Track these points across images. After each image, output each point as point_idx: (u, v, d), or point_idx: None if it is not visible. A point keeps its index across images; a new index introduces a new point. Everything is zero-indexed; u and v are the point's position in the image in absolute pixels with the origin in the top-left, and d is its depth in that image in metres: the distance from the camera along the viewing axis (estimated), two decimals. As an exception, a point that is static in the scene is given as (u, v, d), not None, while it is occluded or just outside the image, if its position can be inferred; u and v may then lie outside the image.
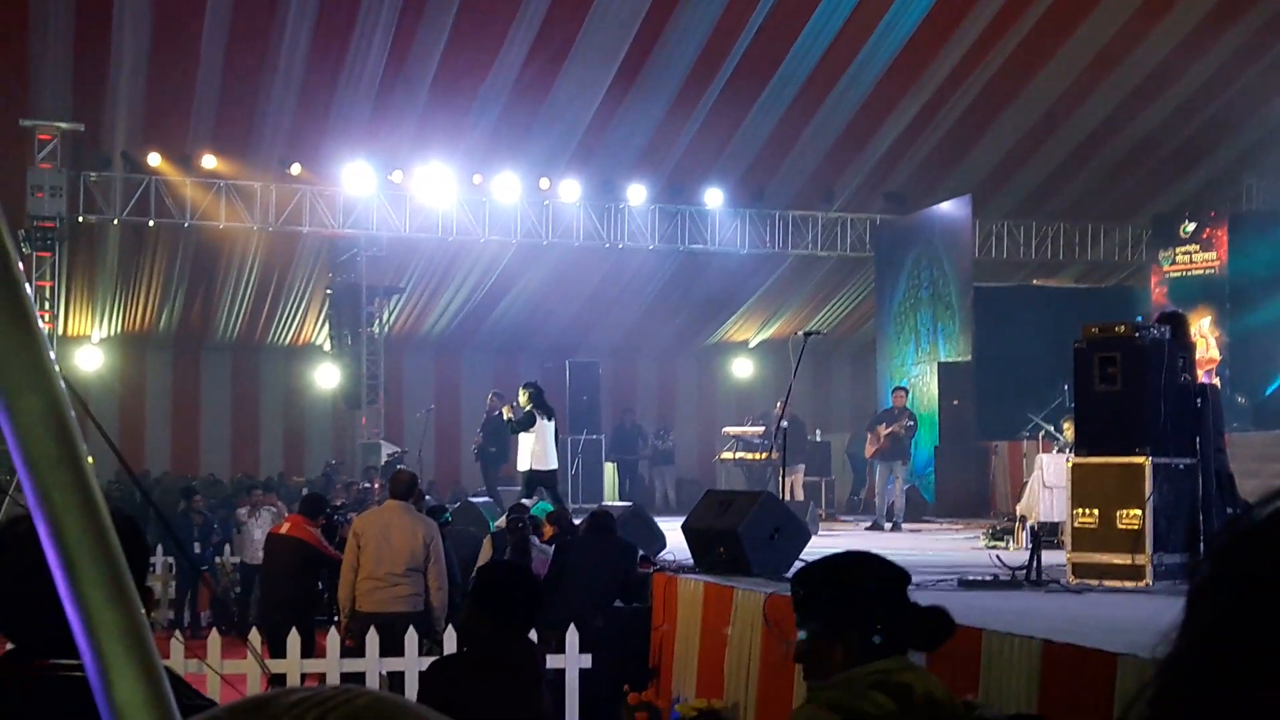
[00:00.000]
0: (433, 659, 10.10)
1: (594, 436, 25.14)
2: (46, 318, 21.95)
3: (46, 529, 1.44)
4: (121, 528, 2.44)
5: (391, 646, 9.85)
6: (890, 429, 19.37)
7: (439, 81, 21.58)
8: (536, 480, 17.12)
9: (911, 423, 19.49)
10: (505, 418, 18.06)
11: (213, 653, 9.35)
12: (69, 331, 26.23)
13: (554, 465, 17.46)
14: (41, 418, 1.44)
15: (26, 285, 1.49)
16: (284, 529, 13.48)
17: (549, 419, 17.44)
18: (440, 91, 21.75)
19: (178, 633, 10.33)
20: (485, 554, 14.40)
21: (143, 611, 1.45)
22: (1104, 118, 23.70)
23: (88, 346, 27.39)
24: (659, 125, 23.24)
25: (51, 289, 22.18)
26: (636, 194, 24.95)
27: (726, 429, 24.40)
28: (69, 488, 1.45)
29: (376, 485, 20.90)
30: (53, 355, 1.48)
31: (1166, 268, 24.27)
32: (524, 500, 16.25)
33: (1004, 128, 23.96)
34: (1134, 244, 27.41)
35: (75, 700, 1.40)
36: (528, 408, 17.36)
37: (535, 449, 17.21)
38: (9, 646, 2.53)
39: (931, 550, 14.78)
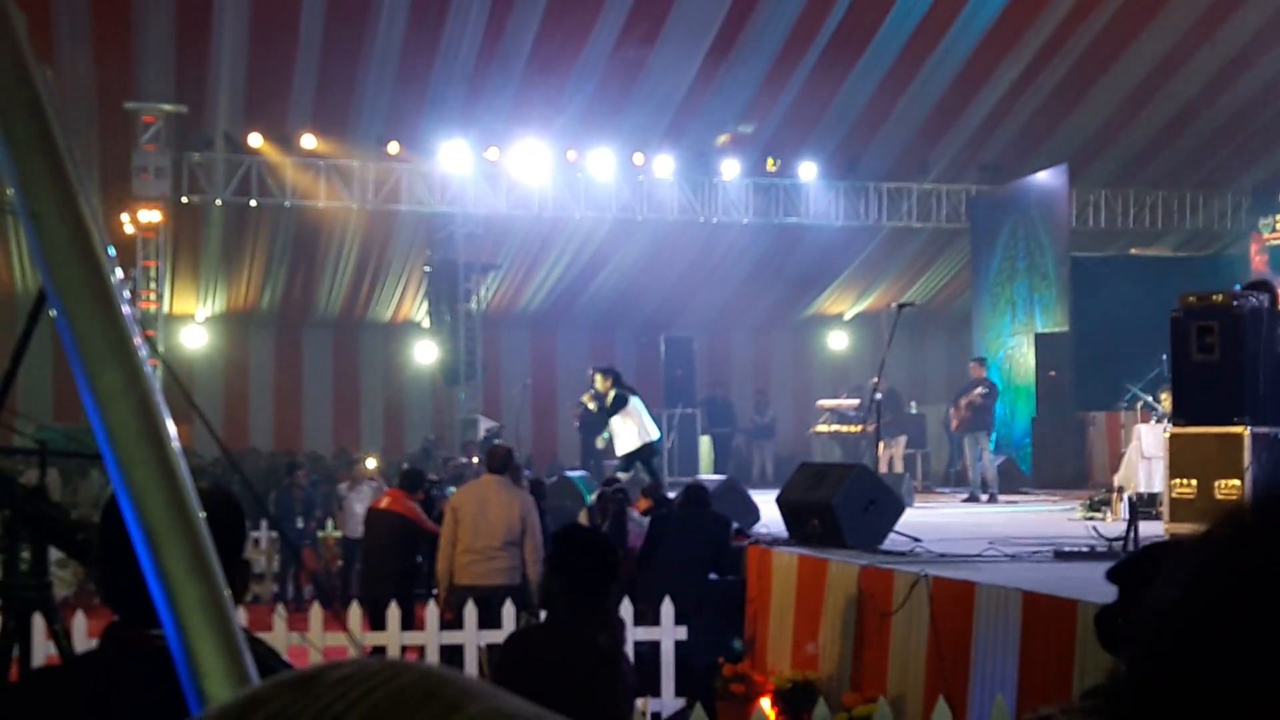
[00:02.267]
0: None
1: (689, 410, 25.17)
2: (152, 297, 22.37)
3: (129, 503, 1.50)
4: (218, 502, 2.54)
5: (489, 619, 9.96)
6: (967, 399, 19.22)
7: (534, 58, 21.67)
8: (639, 457, 17.17)
9: (986, 390, 19.24)
10: (590, 407, 18.03)
11: (314, 626, 9.53)
12: (174, 310, 26.67)
13: (655, 435, 17.48)
14: (122, 393, 1.49)
15: (112, 265, 1.54)
16: (384, 504, 13.65)
17: (634, 395, 17.53)
18: (535, 68, 21.83)
19: (280, 606, 10.52)
20: (581, 527, 14.54)
21: (224, 585, 1.50)
22: (1202, 84, 23.28)
23: (192, 325, 27.86)
24: (752, 99, 23.17)
25: (156, 269, 22.56)
26: (730, 168, 24.91)
27: (821, 402, 24.35)
28: (151, 463, 1.49)
29: (475, 460, 21.09)
30: (138, 335, 1.53)
31: (1267, 235, 23.85)
32: (619, 474, 16.33)
33: (1100, 95, 23.62)
34: (1233, 212, 26.92)
35: (171, 671, 1.47)
36: (612, 393, 17.38)
37: (633, 428, 17.25)
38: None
39: (1028, 522, 14.67)
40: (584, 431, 22.29)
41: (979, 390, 19.20)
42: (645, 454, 17.19)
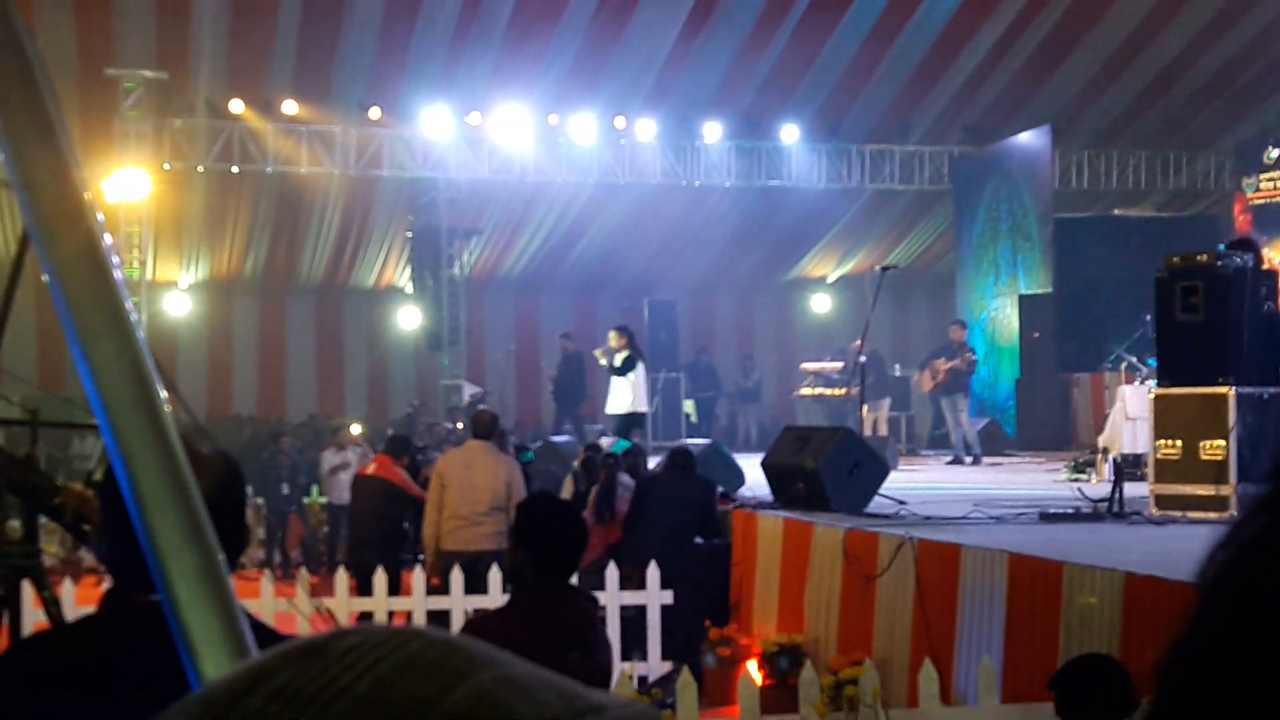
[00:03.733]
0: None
1: (673, 375, 25.18)
2: (135, 264, 22.28)
3: (123, 471, 1.49)
4: (222, 468, 2.53)
5: (476, 584, 9.99)
6: (951, 364, 19.20)
7: (514, 22, 21.58)
8: (632, 423, 17.19)
9: (973, 357, 19.27)
10: (602, 363, 18.00)
11: (301, 592, 9.54)
12: (156, 278, 26.57)
13: (644, 409, 17.55)
14: (116, 361, 1.49)
15: (103, 234, 1.54)
16: (370, 470, 13.66)
17: (643, 362, 17.57)
18: (515, 32, 21.75)
19: (267, 572, 10.53)
20: (567, 491, 14.55)
21: (219, 551, 1.50)
22: (1185, 44, 23.26)
23: (175, 292, 27.76)
24: (734, 62, 23.11)
25: (139, 236, 22.48)
26: (712, 131, 24.86)
27: (805, 365, 24.37)
28: (145, 430, 1.49)
29: (459, 426, 21.09)
30: (131, 302, 1.53)
31: (1250, 195, 23.88)
32: (601, 440, 16.34)
33: (1082, 56, 23.58)
34: (1217, 172, 26.94)
35: (169, 636, 1.47)
36: (625, 353, 17.37)
37: (627, 393, 17.27)
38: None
39: (1013, 484, 14.74)
40: (558, 397, 22.34)
41: (970, 356, 19.20)
42: (629, 422, 17.22)
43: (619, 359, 17.40)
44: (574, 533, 5.03)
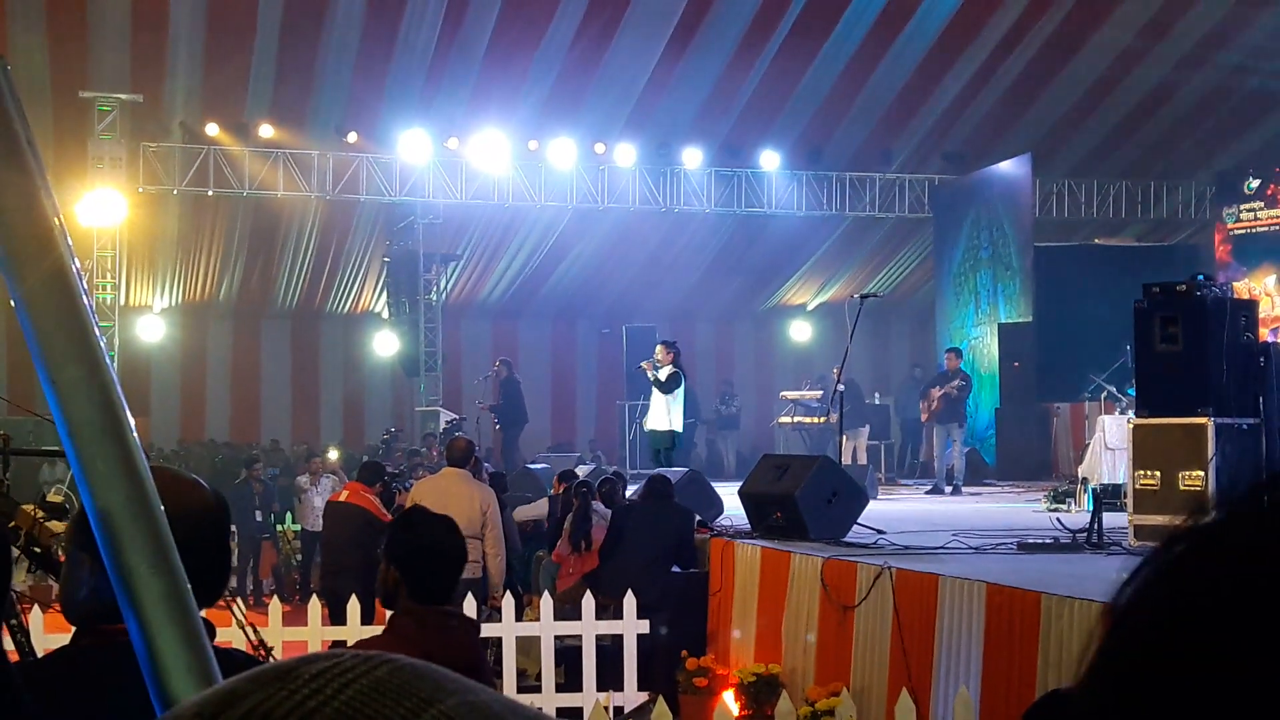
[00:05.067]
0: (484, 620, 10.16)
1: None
2: (108, 288, 22.17)
3: (89, 498, 1.45)
4: (205, 497, 2.49)
5: (450, 612, 9.89)
6: (942, 390, 19.22)
7: (493, 48, 21.58)
8: (671, 441, 17.03)
9: (963, 383, 19.22)
10: (649, 375, 17.76)
11: (273, 620, 9.44)
12: (130, 302, 26.45)
13: (680, 428, 17.38)
14: (84, 388, 1.46)
15: (73, 260, 1.51)
16: (343, 496, 13.57)
17: (685, 379, 17.46)
18: (495, 58, 21.75)
19: (238, 600, 10.43)
20: (536, 513, 14.53)
21: (186, 579, 1.46)
22: (1165, 74, 23.37)
23: (149, 316, 27.63)
24: (714, 88, 23.14)
25: (113, 259, 22.37)
26: (692, 157, 24.89)
27: (784, 393, 24.33)
28: (113, 458, 1.46)
29: (435, 452, 21.01)
30: (102, 328, 1.49)
31: (1230, 225, 23.98)
32: (578, 468, 16.24)
33: (1063, 85, 23.68)
34: (1197, 201, 27.05)
35: (134, 666, 1.42)
36: (669, 369, 17.23)
37: (663, 411, 17.14)
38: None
39: (992, 513, 14.70)
40: (501, 423, 22.32)
41: (956, 382, 19.17)
42: (668, 440, 17.04)
43: (664, 374, 17.21)
44: (450, 550, 4.57)
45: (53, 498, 3.73)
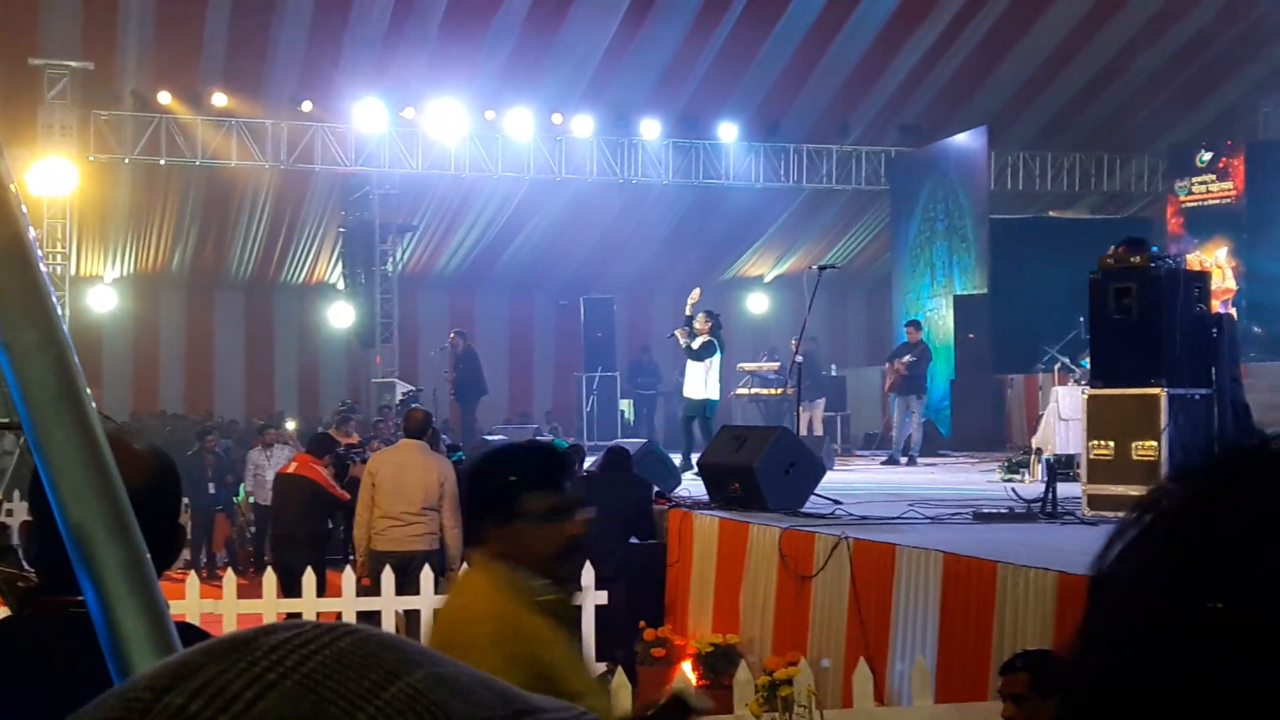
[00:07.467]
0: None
1: (609, 373, 25.14)
2: (59, 258, 21.95)
3: (45, 466, 1.43)
4: (158, 466, 2.45)
5: (407, 585, 9.88)
6: (899, 363, 19.21)
7: (450, 16, 21.44)
8: (707, 411, 16.86)
9: (912, 356, 19.17)
10: (682, 343, 17.58)
11: (228, 592, 9.40)
12: (82, 272, 26.22)
13: (715, 396, 17.21)
14: (40, 353, 1.43)
15: (27, 225, 1.49)
16: (291, 468, 13.48)
17: (723, 350, 17.26)
18: (451, 27, 21.60)
19: (193, 573, 10.37)
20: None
21: (145, 548, 1.44)
22: (1119, 47, 23.47)
23: (101, 286, 27.40)
24: (672, 59, 23.08)
25: (64, 228, 22.15)
26: (650, 129, 24.81)
27: (742, 365, 24.36)
28: (69, 424, 1.43)
29: (391, 424, 20.93)
30: (58, 294, 1.47)
31: (1183, 198, 24.12)
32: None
33: (1019, 59, 23.74)
34: (1150, 174, 27.20)
35: (86, 638, 1.40)
36: (705, 337, 17.04)
37: (701, 378, 17.01)
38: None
39: (947, 484, 14.79)
40: (459, 395, 22.28)
41: (906, 357, 19.16)
42: (702, 408, 16.89)
43: (698, 342, 17.05)
44: (168, 530, 3.85)
45: None
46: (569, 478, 3.43)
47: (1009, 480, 14.28)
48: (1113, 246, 10.67)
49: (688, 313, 17.31)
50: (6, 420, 1.48)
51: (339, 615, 9.91)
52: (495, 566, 3.30)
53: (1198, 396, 10.05)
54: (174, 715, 0.61)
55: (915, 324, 20.30)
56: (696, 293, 17.49)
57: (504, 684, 0.67)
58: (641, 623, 11.10)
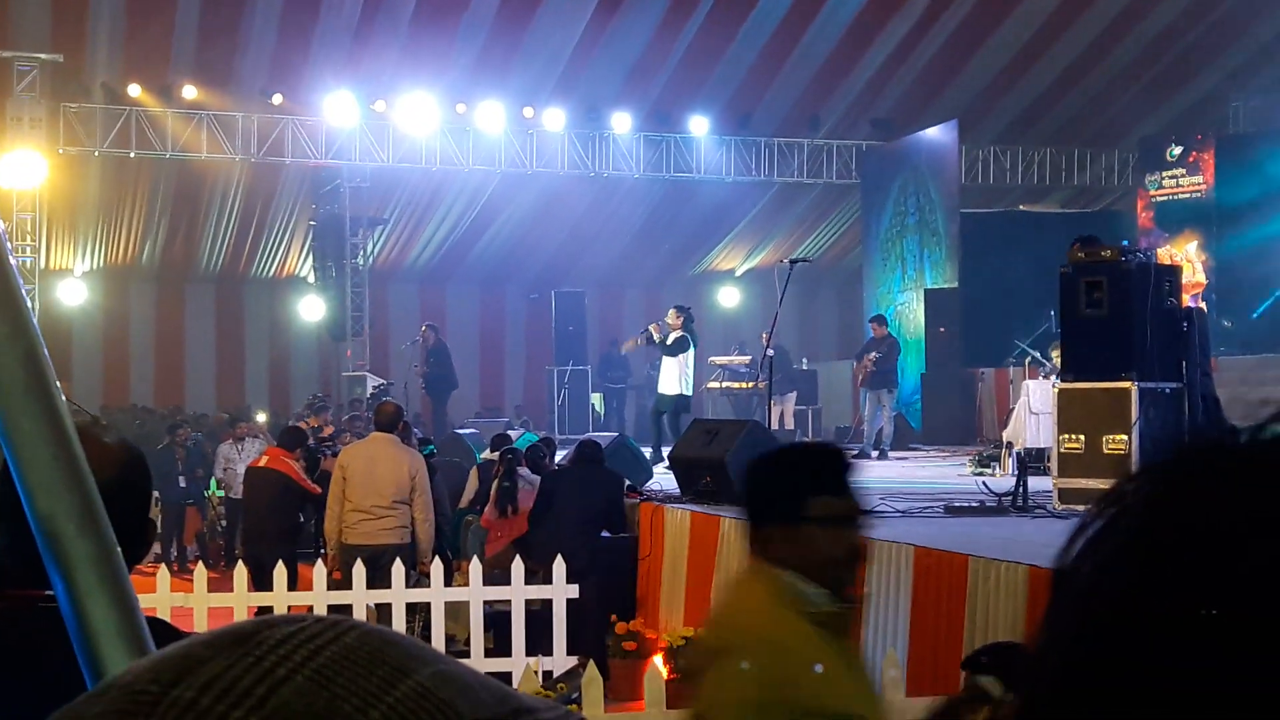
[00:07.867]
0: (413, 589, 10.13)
1: (580, 367, 25.12)
2: (28, 251, 21.83)
3: (14, 458, 1.41)
4: (127, 459, 2.43)
5: (378, 579, 9.86)
6: (868, 358, 19.23)
7: (421, 9, 21.38)
8: (678, 407, 16.84)
9: (879, 352, 19.15)
10: (655, 338, 17.54)
11: (199, 586, 9.36)
12: (51, 265, 26.08)
13: (689, 392, 17.20)
14: (9, 346, 1.42)
15: None
16: (262, 462, 13.45)
17: (694, 345, 17.23)
18: (422, 20, 21.54)
19: (164, 567, 10.33)
20: (472, 485, 14.44)
21: (115, 541, 1.42)
22: (1089, 41, 23.53)
23: (70, 280, 27.24)
24: (643, 52, 23.06)
25: (33, 221, 22.02)
26: (621, 122, 24.79)
27: (713, 358, 24.37)
28: (38, 416, 1.42)
29: (364, 418, 20.86)
30: (27, 287, 1.45)
31: (1153, 192, 24.20)
32: (510, 433, 16.17)
33: (990, 52, 23.79)
34: (1120, 168, 27.31)
35: (56, 632, 1.38)
36: (678, 333, 17.02)
37: (675, 374, 16.98)
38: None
39: (918, 478, 14.82)
40: (430, 389, 22.26)
41: (872, 353, 19.17)
42: (676, 404, 16.86)
43: (671, 338, 17.03)
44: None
45: None
46: (856, 482, 3.25)
47: (980, 474, 14.31)
48: (1072, 244, 10.69)
49: (656, 339, 17.28)
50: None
51: (310, 609, 9.89)
52: (775, 574, 3.15)
53: (1168, 390, 10.08)
54: (184, 709, 0.61)
55: (880, 319, 20.34)
56: (654, 327, 17.48)
57: (500, 684, 0.67)
58: (613, 616, 11.10)
